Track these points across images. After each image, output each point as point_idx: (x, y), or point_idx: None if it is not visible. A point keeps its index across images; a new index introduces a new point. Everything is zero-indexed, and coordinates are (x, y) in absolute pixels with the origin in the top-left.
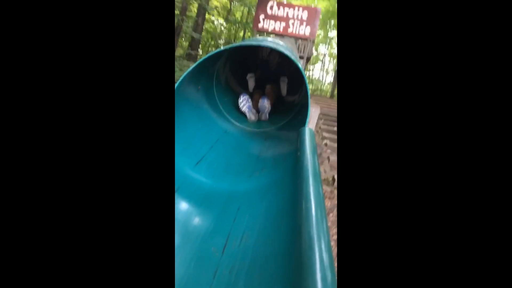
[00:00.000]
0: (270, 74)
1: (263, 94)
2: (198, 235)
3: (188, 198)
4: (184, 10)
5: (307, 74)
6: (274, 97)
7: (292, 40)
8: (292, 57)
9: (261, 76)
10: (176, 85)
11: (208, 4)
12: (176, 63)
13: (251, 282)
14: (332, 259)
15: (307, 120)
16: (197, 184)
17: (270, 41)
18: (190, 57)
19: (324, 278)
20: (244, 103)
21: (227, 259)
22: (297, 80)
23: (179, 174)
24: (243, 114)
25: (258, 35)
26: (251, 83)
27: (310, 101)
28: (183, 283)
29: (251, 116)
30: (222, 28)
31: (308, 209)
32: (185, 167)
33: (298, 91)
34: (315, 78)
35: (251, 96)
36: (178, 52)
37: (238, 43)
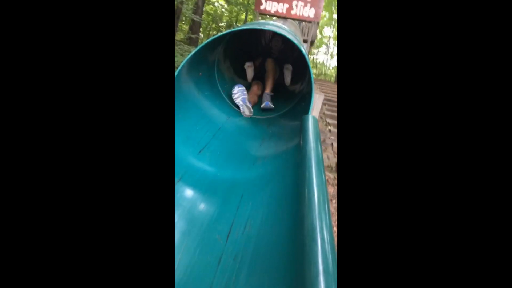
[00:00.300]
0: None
1: (262, 87)
2: (203, 222)
3: (193, 186)
4: None
5: (311, 58)
6: (274, 75)
7: (296, 23)
8: (296, 42)
9: (263, 64)
10: (176, 73)
11: None
12: (176, 47)
13: (255, 269)
14: (334, 248)
15: (311, 107)
16: (200, 172)
17: (272, 25)
18: (191, 41)
19: (326, 268)
20: (239, 95)
21: (231, 246)
22: (301, 67)
23: (183, 162)
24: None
25: (260, 17)
26: (249, 73)
27: (314, 88)
28: (188, 270)
29: (245, 110)
30: (224, 10)
31: (311, 197)
32: (188, 155)
33: (301, 79)
34: (319, 62)
35: (249, 87)
36: (179, 36)
37: (238, 27)
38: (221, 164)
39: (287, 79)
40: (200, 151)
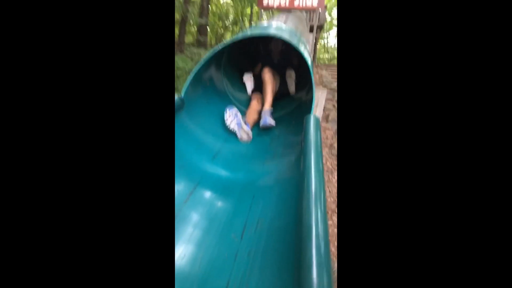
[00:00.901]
0: (273, 66)
1: (263, 101)
2: (220, 222)
3: (210, 190)
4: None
5: (321, 44)
6: (272, 87)
7: (300, 14)
8: (294, 43)
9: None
10: (184, 88)
11: None
12: (186, 51)
13: (266, 263)
14: (328, 243)
15: (312, 107)
16: (215, 177)
17: (268, 27)
18: (200, 44)
19: (318, 250)
20: (231, 119)
21: (245, 243)
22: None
23: (198, 169)
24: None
25: (264, 13)
26: (248, 86)
27: (315, 90)
28: (209, 267)
29: (242, 135)
30: (229, 7)
31: (309, 197)
32: (202, 162)
33: (309, 83)
34: (330, 46)
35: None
36: (188, 39)
37: (231, 39)
38: (234, 167)
39: (291, 88)
40: (214, 157)
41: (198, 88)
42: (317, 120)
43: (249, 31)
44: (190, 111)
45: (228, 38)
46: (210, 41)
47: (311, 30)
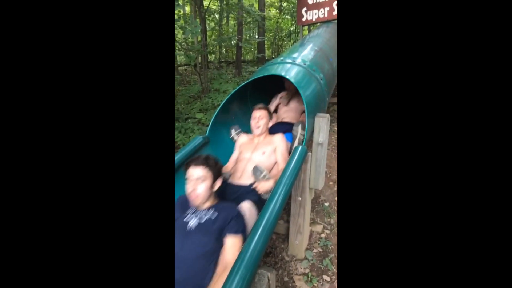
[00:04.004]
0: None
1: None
2: None
3: None
4: (240, 25)
5: None
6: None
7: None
8: (293, 80)
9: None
10: (208, 127)
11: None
12: (242, 69)
13: None
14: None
15: (304, 139)
16: None
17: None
18: (259, 60)
19: None
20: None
21: None
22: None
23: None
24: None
25: (302, 30)
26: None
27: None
28: None
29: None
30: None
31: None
32: None
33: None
34: None
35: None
36: (250, 56)
37: (245, 82)
38: None
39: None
40: None
41: (223, 123)
42: (303, 150)
43: (260, 71)
44: (219, 142)
45: (285, 50)
46: (272, 54)
47: None
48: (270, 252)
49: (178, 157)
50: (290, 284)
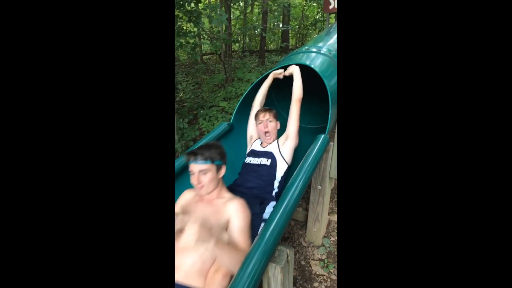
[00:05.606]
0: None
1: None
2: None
3: None
4: (265, 14)
5: None
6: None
7: None
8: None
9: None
10: (233, 114)
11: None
12: (267, 57)
13: None
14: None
15: (328, 127)
16: None
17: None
18: (282, 50)
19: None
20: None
21: None
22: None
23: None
24: None
25: (329, 19)
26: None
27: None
28: None
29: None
30: (306, 7)
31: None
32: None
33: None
34: None
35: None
36: (273, 46)
37: (268, 71)
38: None
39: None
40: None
41: (247, 111)
42: (325, 140)
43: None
44: (236, 143)
45: (310, 39)
46: (296, 44)
47: None
48: (288, 237)
49: (205, 141)
50: (306, 268)
